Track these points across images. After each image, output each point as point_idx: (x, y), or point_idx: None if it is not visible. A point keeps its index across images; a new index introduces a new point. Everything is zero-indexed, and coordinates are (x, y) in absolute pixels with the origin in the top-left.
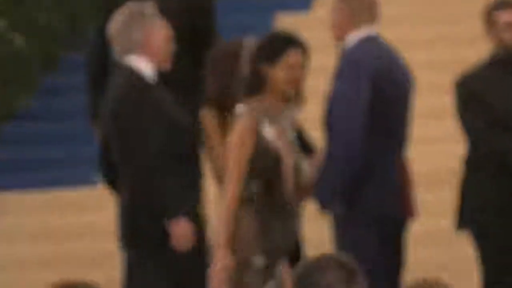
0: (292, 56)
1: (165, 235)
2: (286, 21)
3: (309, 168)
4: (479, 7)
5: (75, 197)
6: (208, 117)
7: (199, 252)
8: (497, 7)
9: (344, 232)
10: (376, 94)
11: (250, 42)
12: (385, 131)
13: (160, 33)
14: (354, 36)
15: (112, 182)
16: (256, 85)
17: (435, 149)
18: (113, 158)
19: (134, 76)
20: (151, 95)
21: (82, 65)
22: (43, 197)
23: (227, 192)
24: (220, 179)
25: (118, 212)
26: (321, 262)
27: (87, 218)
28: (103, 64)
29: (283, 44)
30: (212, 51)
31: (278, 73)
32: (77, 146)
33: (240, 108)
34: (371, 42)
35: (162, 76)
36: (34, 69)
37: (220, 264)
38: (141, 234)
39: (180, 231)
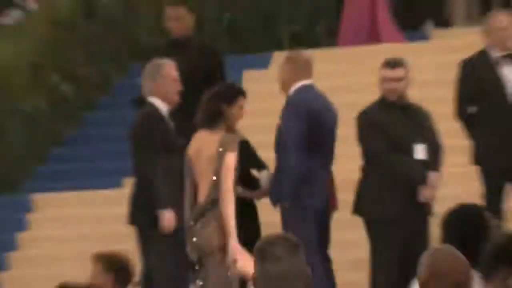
0: (242, 100)
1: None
2: (251, 75)
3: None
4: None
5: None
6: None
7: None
8: (383, 65)
9: (289, 219)
10: (312, 125)
11: None
12: (319, 150)
13: (168, 82)
14: (294, 87)
15: None
16: (217, 119)
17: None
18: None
19: (152, 110)
20: (160, 124)
21: (111, 105)
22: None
23: (229, 194)
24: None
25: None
26: (273, 239)
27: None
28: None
29: (237, 91)
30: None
31: (234, 110)
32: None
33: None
34: (307, 90)
35: (180, 105)
36: (77, 108)
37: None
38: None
39: (165, 220)
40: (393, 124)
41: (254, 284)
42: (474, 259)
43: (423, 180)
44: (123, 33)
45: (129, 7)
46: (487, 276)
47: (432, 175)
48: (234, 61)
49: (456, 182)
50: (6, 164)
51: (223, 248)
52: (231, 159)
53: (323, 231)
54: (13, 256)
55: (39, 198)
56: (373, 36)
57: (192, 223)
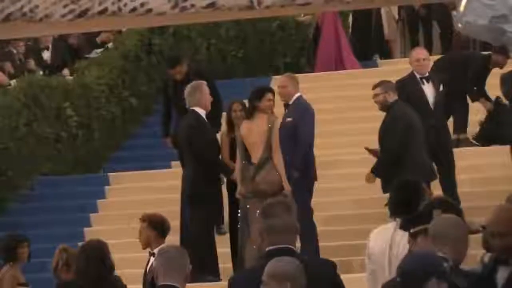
0: (269, 95)
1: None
2: None
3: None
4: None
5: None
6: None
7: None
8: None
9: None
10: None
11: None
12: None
13: (207, 97)
14: (294, 97)
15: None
16: (253, 111)
17: None
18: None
19: (197, 116)
20: (205, 127)
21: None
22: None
23: (278, 152)
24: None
25: (183, 182)
26: (273, 202)
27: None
28: (168, 106)
29: (264, 90)
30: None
31: (263, 103)
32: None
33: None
34: (302, 98)
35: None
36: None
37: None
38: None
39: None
40: None
41: (260, 234)
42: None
43: None
44: None
45: (174, 45)
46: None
47: None
48: (247, 82)
49: None
50: (92, 152)
51: (281, 190)
52: (276, 131)
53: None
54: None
55: (114, 175)
56: (338, 64)
57: (252, 174)
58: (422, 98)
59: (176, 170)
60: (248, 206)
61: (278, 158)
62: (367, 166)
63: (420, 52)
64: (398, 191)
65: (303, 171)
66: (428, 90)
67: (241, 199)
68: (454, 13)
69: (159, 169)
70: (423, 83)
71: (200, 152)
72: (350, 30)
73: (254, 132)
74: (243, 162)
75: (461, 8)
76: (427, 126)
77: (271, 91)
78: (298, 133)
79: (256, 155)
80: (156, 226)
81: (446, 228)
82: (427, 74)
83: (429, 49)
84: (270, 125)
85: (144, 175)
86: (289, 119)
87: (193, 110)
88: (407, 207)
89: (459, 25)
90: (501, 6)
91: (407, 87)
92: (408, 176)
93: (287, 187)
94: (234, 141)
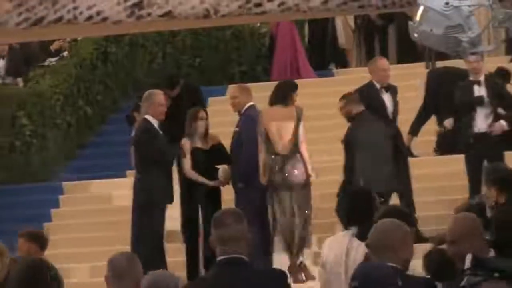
0: (296, 91)
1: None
2: (214, 100)
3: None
4: None
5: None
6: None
7: None
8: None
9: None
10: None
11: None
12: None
13: (157, 104)
14: (245, 107)
15: None
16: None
17: None
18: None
19: (147, 124)
20: (153, 134)
21: (118, 121)
22: None
23: (304, 143)
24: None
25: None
26: (224, 211)
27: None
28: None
29: (295, 85)
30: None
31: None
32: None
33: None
34: (252, 108)
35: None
36: (94, 123)
37: None
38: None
39: None
40: None
41: (212, 245)
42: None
43: None
44: (126, 72)
45: (130, 55)
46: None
47: None
48: (202, 90)
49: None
50: (46, 161)
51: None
52: (302, 123)
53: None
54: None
55: (68, 184)
56: (294, 73)
57: (280, 165)
58: (383, 107)
59: (131, 179)
60: (278, 197)
61: (304, 149)
62: (327, 174)
63: (385, 62)
64: (351, 201)
65: (247, 181)
66: (387, 99)
67: (270, 190)
68: (410, 22)
69: (114, 178)
70: (383, 93)
71: (156, 157)
72: (306, 39)
73: (277, 121)
74: (270, 153)
75: (417, 17)
76: (387, 135)
77: (297, 87)
78: (243, 143)
79: (283, 146)
80: (35, 239)
81: (382, 235)
82: (386, 84)
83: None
84: (297, 117)
85: (99, 184)
86: (236, 129)
87: (145, 118)
88: (361, 217)
89: (415, 34)
90: (457, 16)
91: (368, 97)
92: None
93: (314, 176)
94: (197, 151)
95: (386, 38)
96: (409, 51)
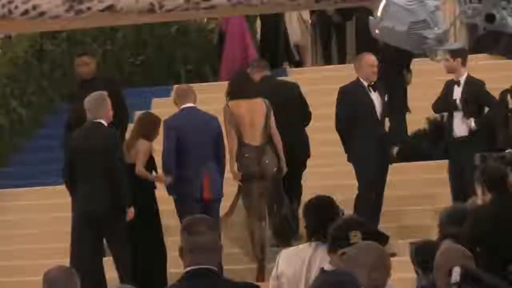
0: None
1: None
2: (159, 102)
3: None
4: None
5: None
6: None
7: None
8: None
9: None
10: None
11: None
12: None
13: (109, 109)
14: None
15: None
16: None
17: None
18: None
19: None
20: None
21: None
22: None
23: (277, 134)
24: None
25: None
26: (197, 219)
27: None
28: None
29: None
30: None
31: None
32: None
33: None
34: (186, 111)
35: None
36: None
37: None
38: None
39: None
40: None
41: (181, 253)
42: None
43: None
44: (64, 71)
45: (67, 50)
46: (330, 250)
47: None
48: (146, 91)
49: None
50: None
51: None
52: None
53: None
54: None
55: (0, 192)
56: None
57: (256, 156)
58: (372, 107)
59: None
60: (250, 189)
61: (278, 141)
62: None
63: (373, 58)
64: (315, 212)
65: (168, 189)
66: (375, 98)
67: (242, 181)
68: (371, 18)
69: (51, 185)
70: (370, 91)
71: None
72: (258, 35)
73: (254, 113)
74: (241, 143)
75: (378, 12)
76: (375, 137)
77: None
78: None
79: (254, 137)
80: None
81: (360, 254)
82: (373, 82)
83: (343, 58)
84: (267, 108)
85: (35, 192)
86: None
87: (98, 123)
88: (326, 229)
89: (376, 31)
90: (421, 11)
91: (355, 96)
92: None
93: (285, 169)
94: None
95: (344, 36)
96: (369, 50)
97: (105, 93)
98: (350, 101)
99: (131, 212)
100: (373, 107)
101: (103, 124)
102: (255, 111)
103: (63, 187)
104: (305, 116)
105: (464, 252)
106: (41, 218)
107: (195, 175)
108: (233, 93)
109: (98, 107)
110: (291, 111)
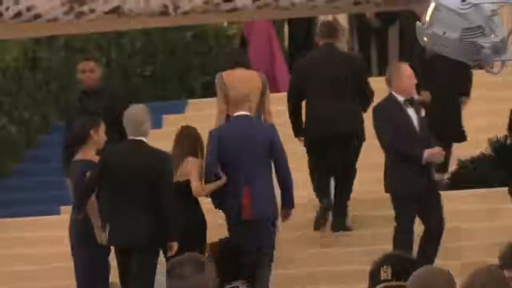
0: None
1: None
2: (170, 119)
3: None
4: None
5: None
6: None
7: None
8: None
9: None
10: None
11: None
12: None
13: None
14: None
15: None
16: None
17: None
18: None
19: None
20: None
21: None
22: None
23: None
24: None
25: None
26: (182, 259)
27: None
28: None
29: None
30: None
31: None
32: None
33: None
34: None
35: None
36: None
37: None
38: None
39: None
40: None
41: None
42: None
43: None
44: (60, 83)
45: (65, 60)
46: None
47: None
48: (155, 107)
49: None
50: None
51: None
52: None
53: None
54: None
55: None
56: (271, 84)
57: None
58: (411, 125)
59: (66, 216)
60: None
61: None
62: None
63: (408, 68)
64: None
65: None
66: (413, 114)
67: None
68: (418, 23)
69: (43, 215)
70: (407, 106)
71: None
72: (286, 42)
73: (248, 85)
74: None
75: (427, 17)
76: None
77: None
78: None
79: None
80: None
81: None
82: (410, 97)
83: (384, 69)
84: (263, 84)
85: (23, 223)
86: None
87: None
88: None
89: (424, 38)
90: (476, 16)
91: (392, 114)
92: None
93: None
94: None
95: (386, 44)
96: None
97: (144, 106)
98: (383, 120)
99: (174, 247)
100: (413, 125)
101: (146, 143)
102: (249, 82)
103: (55, 217)
104: (364, 97)
105: None
106: (31, 253)
107: (233, 191)
108: (227, 63)
109: (141, 123)
110: (344, 84)
